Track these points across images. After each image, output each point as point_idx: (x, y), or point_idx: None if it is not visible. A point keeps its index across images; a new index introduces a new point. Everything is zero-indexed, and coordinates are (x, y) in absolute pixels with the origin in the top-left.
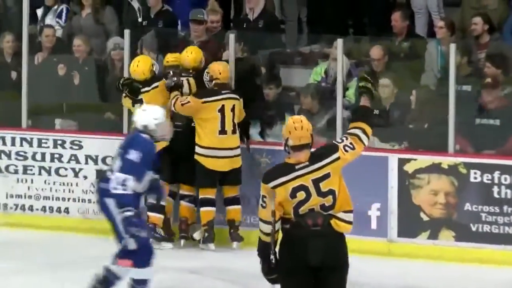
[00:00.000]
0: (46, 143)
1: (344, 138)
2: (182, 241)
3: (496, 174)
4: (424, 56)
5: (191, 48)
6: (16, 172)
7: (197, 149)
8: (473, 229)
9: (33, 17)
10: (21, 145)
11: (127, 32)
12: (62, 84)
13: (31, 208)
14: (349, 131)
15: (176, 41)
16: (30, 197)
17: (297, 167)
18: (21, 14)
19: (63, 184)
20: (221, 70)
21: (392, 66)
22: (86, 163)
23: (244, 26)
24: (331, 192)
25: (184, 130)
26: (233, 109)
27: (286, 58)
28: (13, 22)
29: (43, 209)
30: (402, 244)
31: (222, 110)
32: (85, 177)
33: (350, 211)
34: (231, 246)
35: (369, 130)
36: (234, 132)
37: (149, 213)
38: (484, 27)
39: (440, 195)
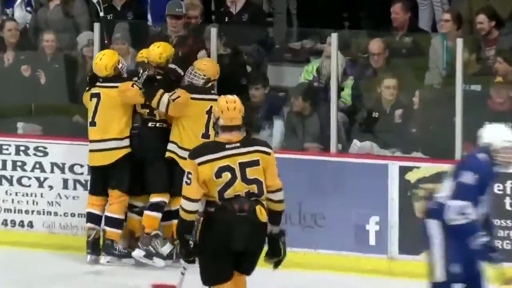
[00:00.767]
0: (7, 149)
1: None
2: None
3: (509, 184)
4: (429, 52)
5: (159, 43)
6: None
7: (176, 150)
8: None
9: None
10: None
11: (96, 25)
12: (27, 84)
13: None
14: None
15: (146, 35)
16: None
17: (227, 146)
18: None
19: (26, 195)
20: (215, 68)
21: (392, 63)
22: (52, 171)
23: (226, 20)
24: (257, 181)
25: (141, 132)
26: None
27: (274, 55)
28: None
29: (4, 223)
30: (404, 262)
31: (210, 112)
32: (51, 187)
33: (279, 190)
34: None
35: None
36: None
37: (107, 228)
38: (490, 23)
39: None
